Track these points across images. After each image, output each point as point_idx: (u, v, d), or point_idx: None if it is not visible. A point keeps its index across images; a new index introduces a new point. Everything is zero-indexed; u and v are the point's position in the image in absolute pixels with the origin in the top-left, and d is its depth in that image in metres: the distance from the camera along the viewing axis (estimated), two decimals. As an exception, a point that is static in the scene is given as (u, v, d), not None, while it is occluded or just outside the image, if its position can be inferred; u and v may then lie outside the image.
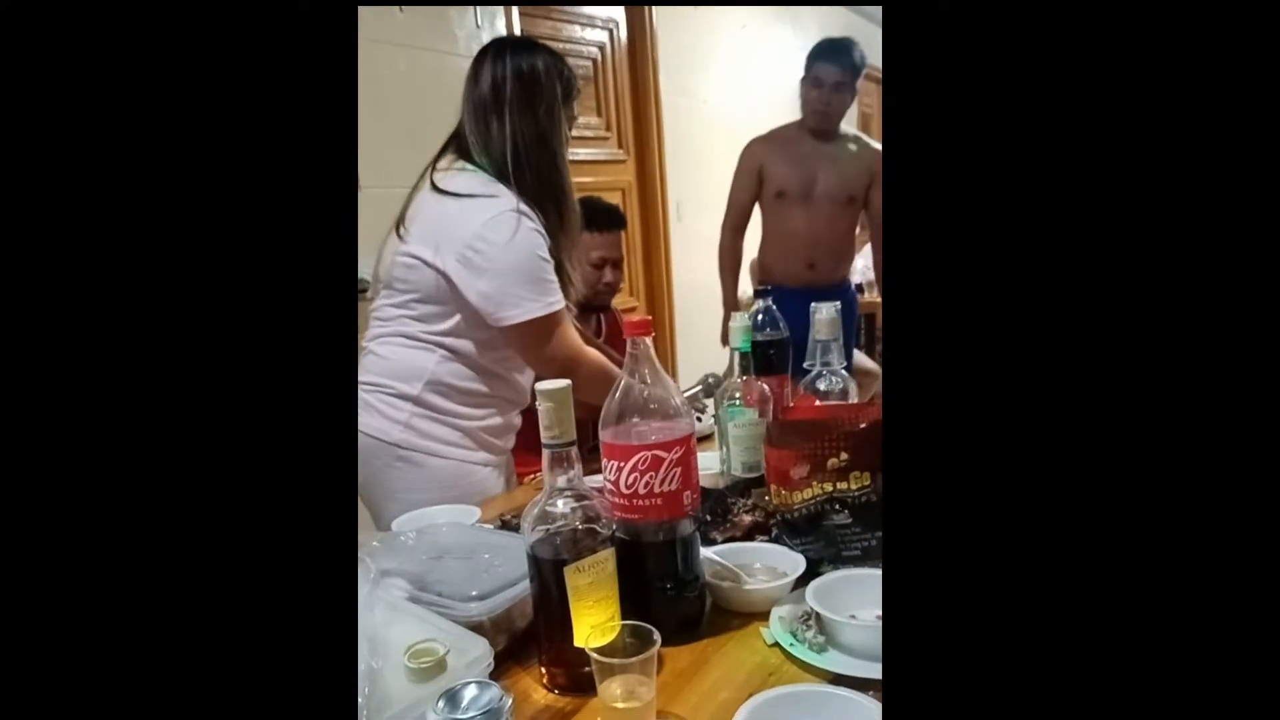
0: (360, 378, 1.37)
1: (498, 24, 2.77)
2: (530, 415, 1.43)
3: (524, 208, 1.26)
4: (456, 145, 1.35)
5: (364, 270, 1.91)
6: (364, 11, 2.28)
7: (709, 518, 1.02)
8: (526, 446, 1.50)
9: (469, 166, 1.31)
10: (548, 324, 1.28)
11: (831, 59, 2.39)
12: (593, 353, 1.36)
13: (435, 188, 1.30)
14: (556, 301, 1.29)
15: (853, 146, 2.51)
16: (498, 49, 1.33)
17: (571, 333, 1.34)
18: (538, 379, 1.33)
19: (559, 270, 1.32)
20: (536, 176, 1.29)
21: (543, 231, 1.27)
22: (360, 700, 0.61)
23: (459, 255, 1.24)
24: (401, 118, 2.39)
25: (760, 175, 2.49)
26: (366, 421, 1.33)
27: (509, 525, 1.07)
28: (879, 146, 2.51)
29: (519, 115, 1.28)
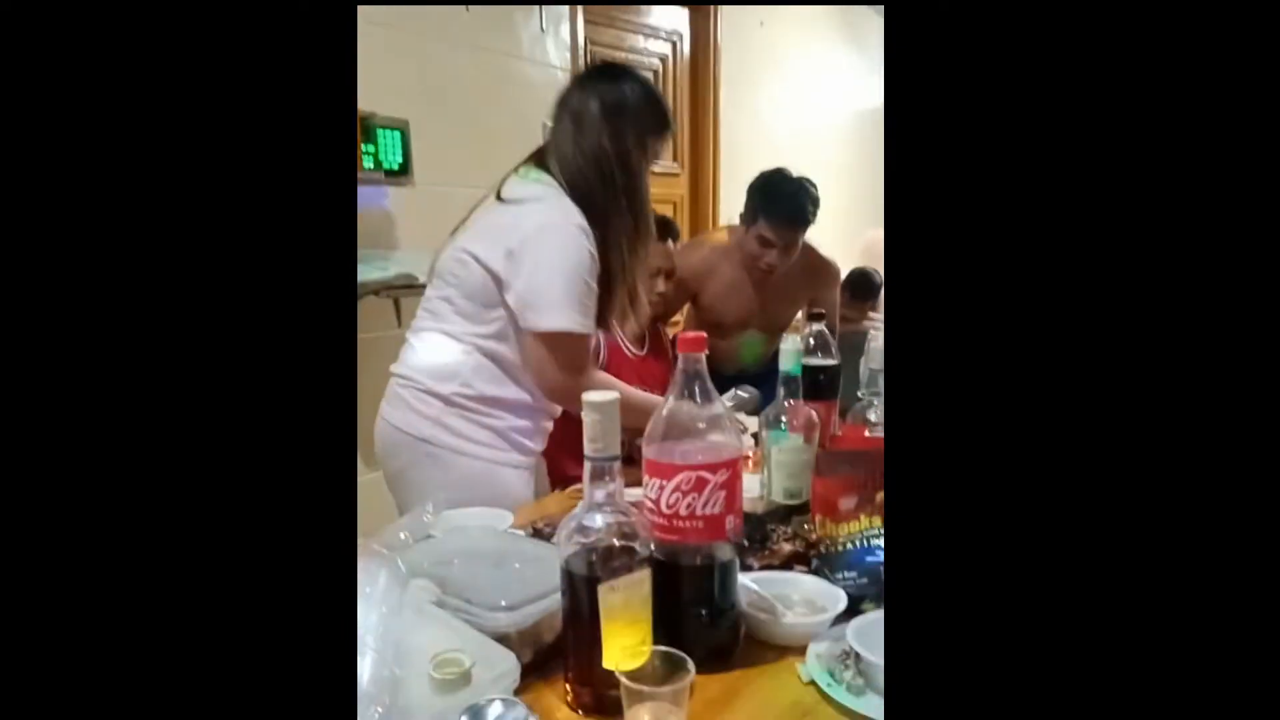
0: (397, 369, 1.37)
1: (562, 29, 2.78)
2: (567, 421, 1.42)
3: (586, 226, 1.25)
4: (536, 159, 1.35)
5: (418, 267, 1.92)
6: (428, 10, 2.30)
7: (746, 543, 0.99)
8: (564, 451, 1.49)
9: (544, 176, 1.31)
10: (574, 343, 1.26)
11: (789, 221, 1.95)
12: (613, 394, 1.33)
13: (500, 197, 1.30)
14: (589, 325, 1.27)
15: (798, 267, 2.07)
16: (603, 75, 1.34)
17: (593, 370, 1.32)
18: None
19: (620, 291, 1.32)
20: (624, 194, 1.29)
21: (595, 256, 1.26)
22: (381, 710, 0.59)
23: (506, 249, 1.24)
24: (460, 117, 2.40)
25: (690, 290, 2.12)
26: (394, 415, 1.33)
27: (541, 534, 1.05)
28: (827, 255, 2.17)
29: (607, 136, 1.28)
